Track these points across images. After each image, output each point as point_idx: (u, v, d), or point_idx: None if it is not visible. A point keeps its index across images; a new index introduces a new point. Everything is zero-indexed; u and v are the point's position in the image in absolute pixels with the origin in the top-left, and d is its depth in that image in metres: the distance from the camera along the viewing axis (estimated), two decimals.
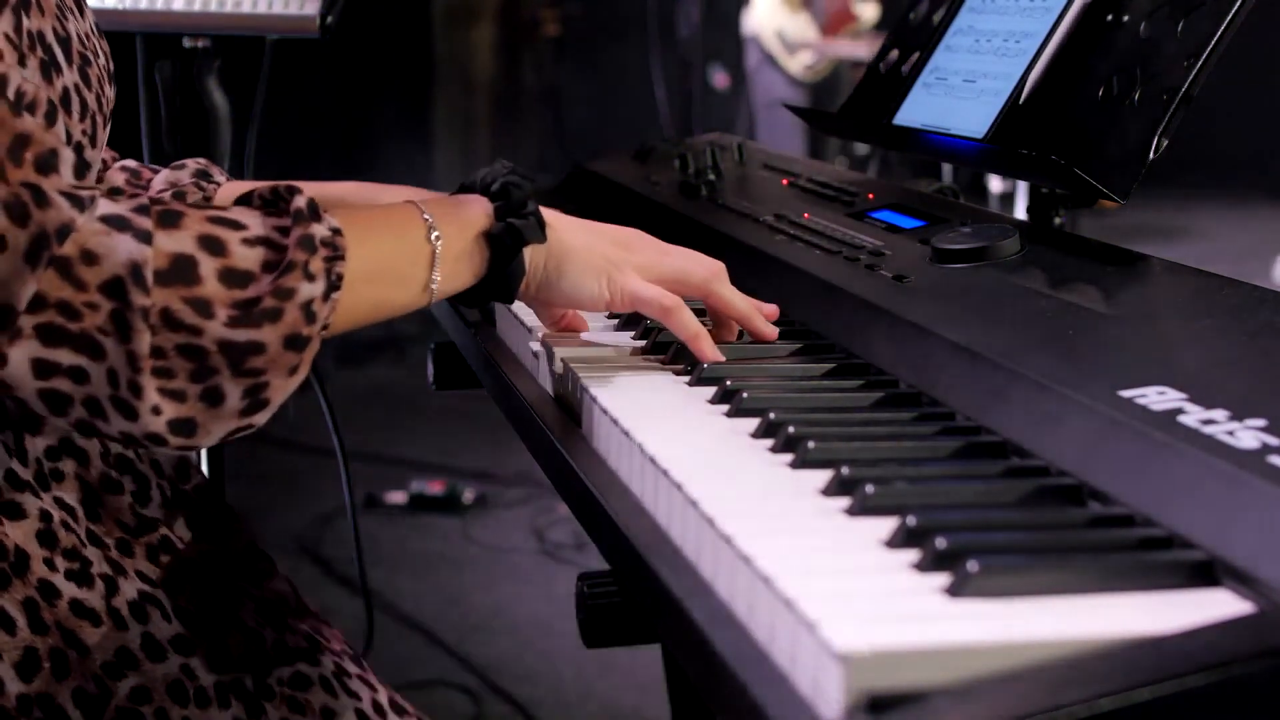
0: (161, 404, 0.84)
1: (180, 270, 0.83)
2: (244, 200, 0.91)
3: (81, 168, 0.85)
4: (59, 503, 0.98)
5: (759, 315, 1.07)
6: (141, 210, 0.84)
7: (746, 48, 6.07)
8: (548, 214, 1.03)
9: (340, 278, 0.88)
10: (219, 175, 1.28)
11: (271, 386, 0.87)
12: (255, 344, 0.84)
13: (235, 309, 0.84)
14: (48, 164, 0.83)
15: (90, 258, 0.82)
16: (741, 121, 6.08)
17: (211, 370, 0.84)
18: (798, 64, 5.86)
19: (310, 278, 0.87)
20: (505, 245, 0.99)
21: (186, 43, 1.97)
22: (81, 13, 1.03)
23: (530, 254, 1.01)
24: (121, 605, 0.97)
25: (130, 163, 1.27)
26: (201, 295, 0.83)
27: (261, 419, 0.88)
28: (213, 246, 0.85)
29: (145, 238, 0.83)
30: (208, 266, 0.84)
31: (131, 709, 0.95)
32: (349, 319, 0.92)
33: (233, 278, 0.85)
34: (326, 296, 0.88)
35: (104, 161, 1.25)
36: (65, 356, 0.82)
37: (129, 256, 0.82)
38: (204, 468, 1.92)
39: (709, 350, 1.02)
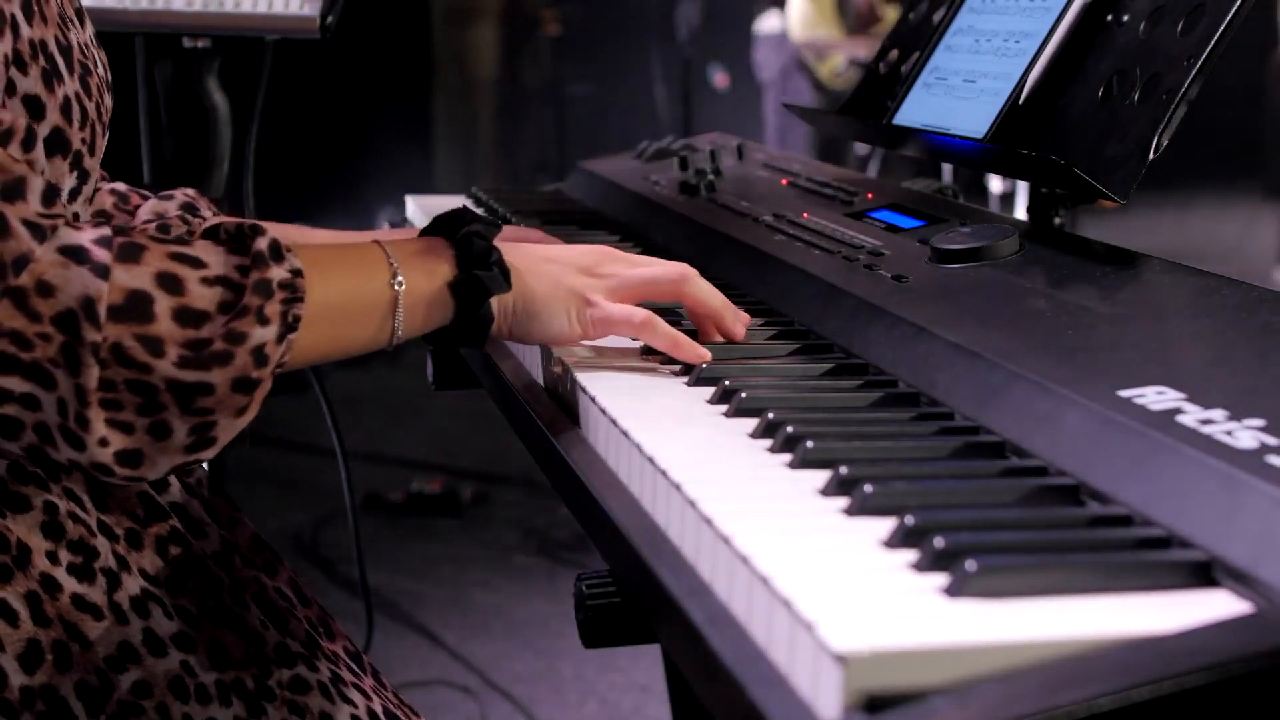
0: (109, 435, 0.85)
1: (135, 307, 0.84)
2: (210, 234, 0.91)
3: (49, 197, 0.85)
4: (68, 493, 0.98)
5: (731, 312, 1.07)
6: (103, 242, 0.84)
7: (759, 50, 6.04)
8: (512, 254, 1.02)
9: (298, 319, 0.89)
10: (205, 210, 1.28)
11: (219, 426, 0.88)
12: (203, 385, 0.85)
13: (186, 349, 0.85)
14: (13, 192, 0.83)
15: (46, 289, 0.82)
16: (748, 125, 6.06)
17: (159, 406, 0.85)
18: (828, 69, 5.84)
19: (264, 322, 0.87)
20: (470, 297, 0.99)
21: (186, 43, 1.97)
22: (82, 24, 1.03)
23: (498, 300, 1.01)
24: (123, 600, 0.98)
25: (120, 186, 1.27)
26: (153, 333, 0.84)
27: (209, 455, 0.89)
28: (170, 284, 0.85)
29: (102, 272, 0.83)
30: (163, 304, 0.85)
31: (133, 703, 0.95)
32: (306, 357, 0.93)
33: (187, 317, 0.85)
34: (280, 339, 0.88)
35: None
36: (16, 384, 0.83)
37: (83, 291, 0.83)
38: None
39: (692, 353, 1.03)
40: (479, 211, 1.66)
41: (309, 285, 0.90)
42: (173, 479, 1.07)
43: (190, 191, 1.29)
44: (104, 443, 0.85)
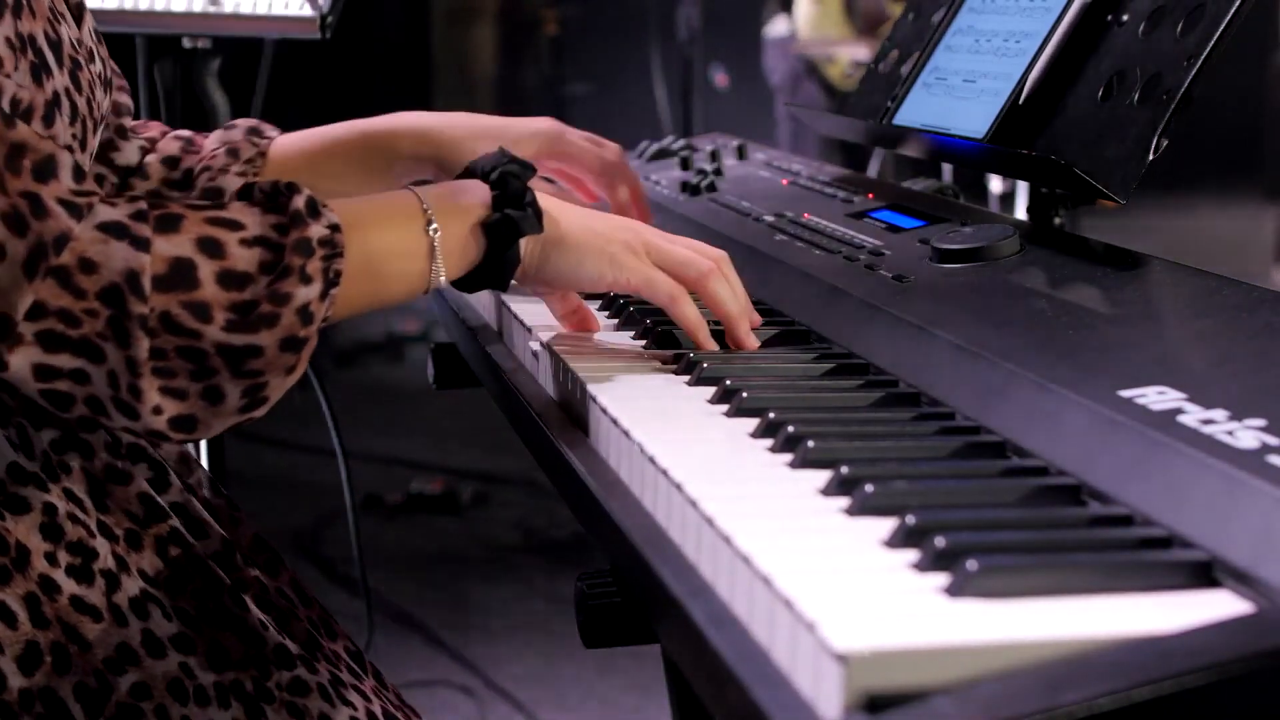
0: (163, 403, 0.86)
1: (179, 274, 0.85)
2: (244, 194, 0.91)
3: (79, 173, 0.86)
4: (68, 494, 0.98)
5: (744, 324, 1.07)
6: (139, 216, 0.85)
7: (768, 54, 6.00)
8: (546, 201, 1.03)
9: (339, 274, 0.90)
10: (270, 131, 1.28)
11: (270, 385, 0.89)
12: (253, 347, 0.86)
13: (233, 312, 0.86)
14: (46, 171, 0.84)
15: (88, 266, 0.83)
16: (750, 126, 6.04)
17: (211, 371, 0.86)
18: (838, 71, 5.80)
19: (307, 280, 0.88)
20: (501, 236, 1.00)
21: (186, 43, 1.98)
22: (79, 19, 1.03)
23: (526, 241, 1.02)
24: (122, 601, 0.97)
25: (184, 132, 1.28)
26: (200, 299, 0.85)
27: (261, 413, 0.90)
28: (211, 249, 0.86)
29: (143, 244, 0.84)
30: (206, 270, 0.86)
31: (132, 705, 0.95)
32: (348, 309, 0.94)
33: (230, 280, 0.86)
34: (324, 296, 0.89)
35: (149, 141, 1.25)
36: (66, 361, 0.84)
37: (126, 264, 0.83)
38: (204, 463, 1.92)
39: (708, 340, 1.04)
40: None
41: (347, 240, 0.91)
42: (174, 479, 1.07)
43: (252, 120, 1.30)
44: (158, 410, 0.86)
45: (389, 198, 1.00)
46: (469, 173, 1.04)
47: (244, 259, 0.87)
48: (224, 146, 1.25)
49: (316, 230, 0.89)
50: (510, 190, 1.01)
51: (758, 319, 1.09)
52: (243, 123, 1.28)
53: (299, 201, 0.90)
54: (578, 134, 1.31)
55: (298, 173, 1.24)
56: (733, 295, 1.07)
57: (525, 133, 1.27)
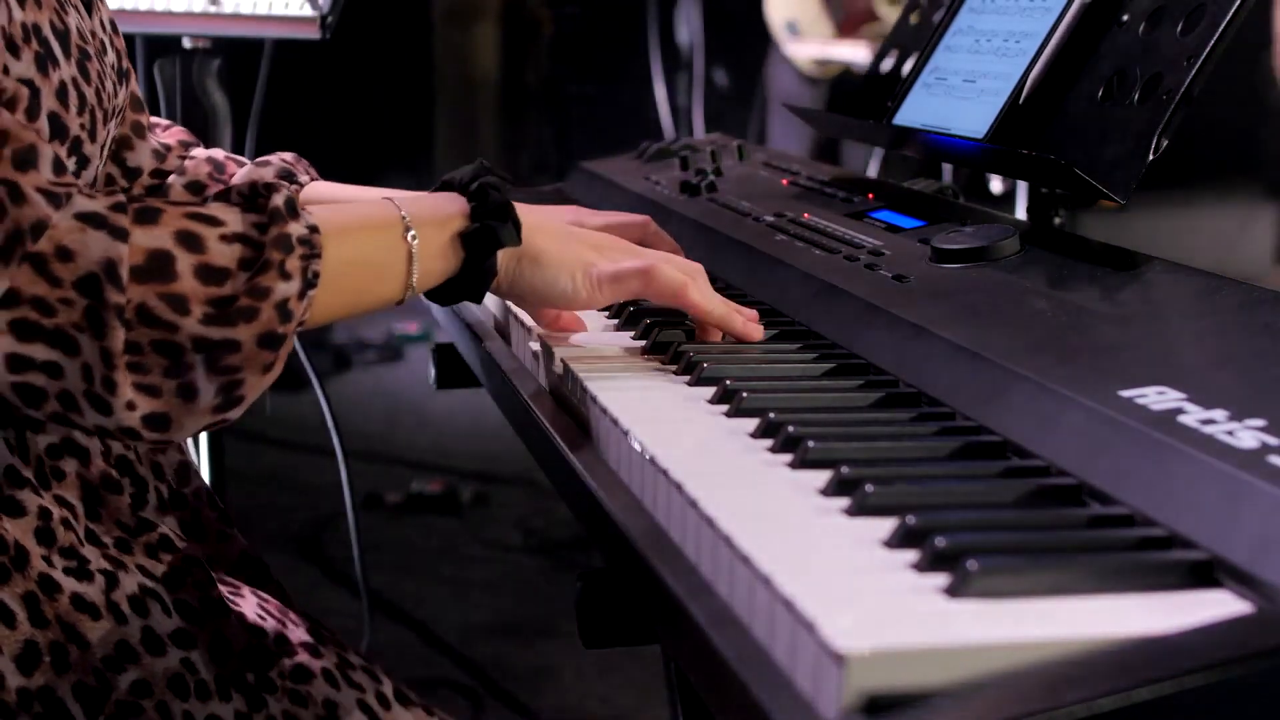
0: (136, 399, 0.85)
1: (157, 266, 0.84)
2: (223, 196, 0.91)
3: (59, 166, 0.86)
4: (59, 500, 0.98)
5: (737, 317, 1.06)
6: (118, 208, 0.85)
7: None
8: (525, 216, 1.03)
9: (317, 275, 0.89)
10: (303, 174, 1.27)
11: (246, 384, 0.88)
12: (230, 341, 0.85)
13: (211, 306, 0.85)
14: (26, 160, 0.84)
15: (65, 254, 0.82)
16: (750, 126, 6.03)
17: (186, 366, 0.85)
18: (805, 59, 5.70)
19: (286, 277, 0.87)
20: (479, 246, 0.99)
21: (187, 43, 1.98)
22: (90, 10, 1.03)
23: (503, 254, 1.02)
24: (121, 599, 0.97)
25: (217, 154, 1.26)
26: (178, 291, 0.84)
27: (235, 414, 0.89)
28: (190, 242, 0.86)
29: (121, 234, 0.84)
30: (184, 263, 0.85)
31: (132, 703, 0.95)
32: (325, 314, 0.93)
33: (209, 274, 0.85)
34: (302, 295, 0.88)
35: (164, 146, 1.24)
36: (40, 352, 0.83)
37: (104, 254, 0.83)
38: (205, 470, 1.92)
39: (696, 297, 1.04)
40: None
41: (325, 244, 0.91)
42: (151, 497, 1.06)
43: (288, 157, 1.28)
44: (131, 406, 0.84)
45: (367, 206, 0.99)
46: (446, 185, 1.04)
47: (223, 254, 0.86)
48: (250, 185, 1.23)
49: (296, 229, 0.89)
50: (490, 202, 1.00)
51: (751, 314, 1.09)
52: (277, 161, 1.26)
53: (278, 200, 0.89)
54: (599, 216, 1.26)
55: None
56: (713, 299, 1.06)
57: None
